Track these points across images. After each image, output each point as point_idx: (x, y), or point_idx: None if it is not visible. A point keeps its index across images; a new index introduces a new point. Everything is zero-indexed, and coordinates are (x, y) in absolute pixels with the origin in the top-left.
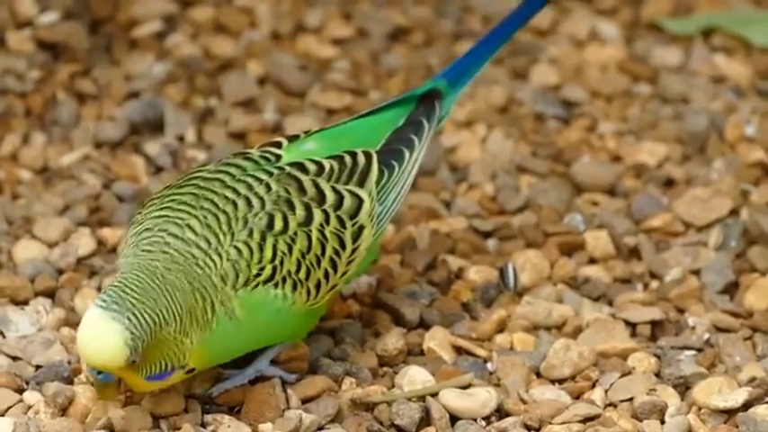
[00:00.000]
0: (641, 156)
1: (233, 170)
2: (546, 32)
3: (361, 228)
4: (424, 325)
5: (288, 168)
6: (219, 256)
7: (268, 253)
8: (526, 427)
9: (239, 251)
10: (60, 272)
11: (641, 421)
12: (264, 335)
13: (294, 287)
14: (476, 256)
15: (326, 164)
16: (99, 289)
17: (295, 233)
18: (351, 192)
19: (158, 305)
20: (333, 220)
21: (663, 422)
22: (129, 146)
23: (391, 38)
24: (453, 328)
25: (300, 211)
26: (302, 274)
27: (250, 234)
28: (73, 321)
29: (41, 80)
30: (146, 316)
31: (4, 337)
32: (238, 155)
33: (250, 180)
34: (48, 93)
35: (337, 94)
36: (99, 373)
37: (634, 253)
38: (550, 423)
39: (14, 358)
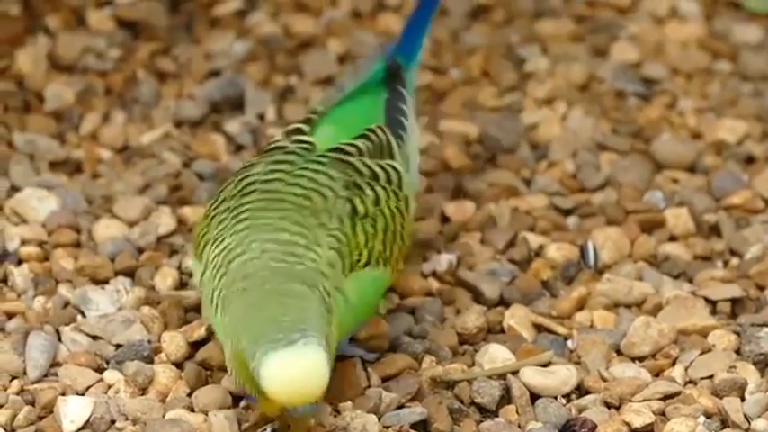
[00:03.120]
0: (721, 133)
1: (286, 167)
2: (626, 10)
3: (407, 197)
4: (503, 303)
5: (333, 155)
6: (320, 246)
7: (361, 237)
8: (606, 404)
9: (338, 239)
10: (140, 251)
11: (721, 398)
12: (366, 313)
13: (385, 264)
14: (556, 234)
15: (360, 144)
16: (179, 268)
17: (374, 213)
18: (390, 165)
19: (318, 319)
20: (392, 195)
21: (743, 399)
22: (210, 124)
23: (471, 16)
24: (533, 305)
25: (369, 192)
26: (387, 251)
27: (340, 222)
28: (153, 300)
29: (121, 59)
30: (321, 330)
31: (84, 316)
32: (275, 150)
33: (309, 173)
34: (128, 71)
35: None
36: (309, 407)
37: (714, 230)
38: (630, 401)
39: (94, 337)
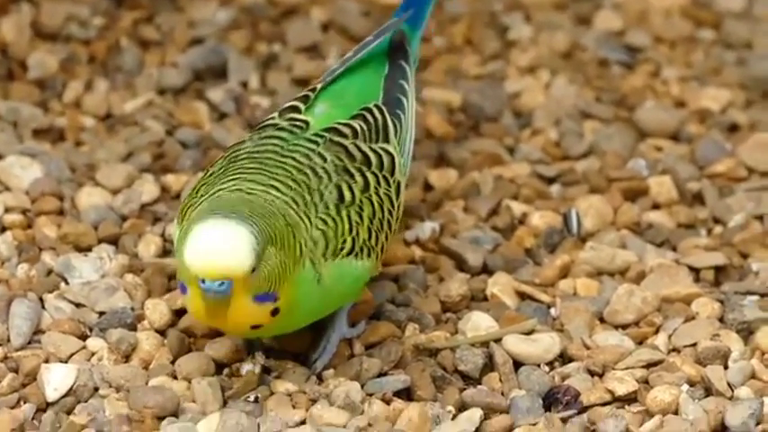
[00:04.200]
0: (705, 101)
1: (277, 142)
2: None
3: (399, 183)
4: (487, 270)
5: (328, 135)
6: (309, 220)
7: (346, 225)
8: (589, 372)
9: (325, 222)
10: (124, 218)
11: (705, 366)
12: (342, 300)
13: (369, 254)
14: (539, 202)
15: (356, 125)
16: (162, 236)
17: (361, 201)
18: (384, 150)
19: (267, 221)
20: (382, 181)
21: (726, 367)
22: (193, 92)
23: None
24: (517, 273)
25: (359, 178)
26: (373, 240)
27: (326, 207)
28: (136, 267)
29: (105, 27)
30: (261, 226)
31: (67, 283)
32: (267, 127)
33: (303, 150)
34: (111, 39)
35: None
36: (218, 285)
37: (698, 198)
38: (614, 368)
39: (78, 305)
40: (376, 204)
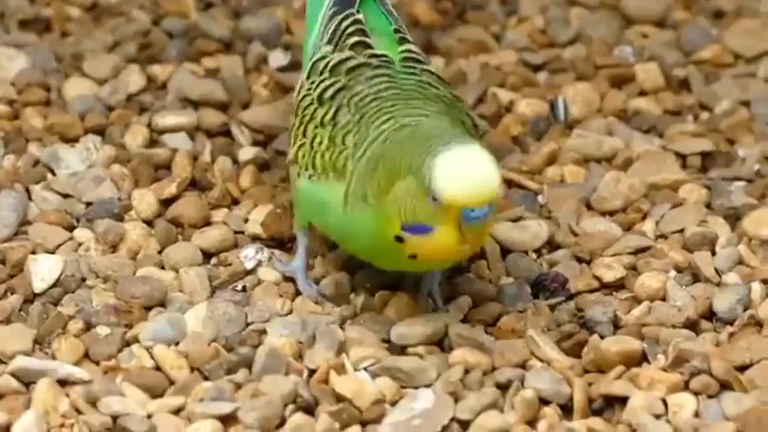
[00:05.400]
0: None
1: (387, 80)
2: None
3: None
4: None
5: (418, 66)
6: None
7: None
8: (577, 259)
9: None
10: (110, 109)
11: (692, 252)
12: None
13: None
14: (526, 90)
15: (417, 50)
16: (149, 125)
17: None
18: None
19: None
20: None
21: (714, 253)
22: None
23: None
24: (504, 161)
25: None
26: None
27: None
28: (123, 158)
29: None
30: None
31: (53, 174)
32: (360, 67)
33: (415, 83)
34: None
35: None
36: (485, 210)
37: (684, 85)
38: (601, 255)
39: (65, 196)
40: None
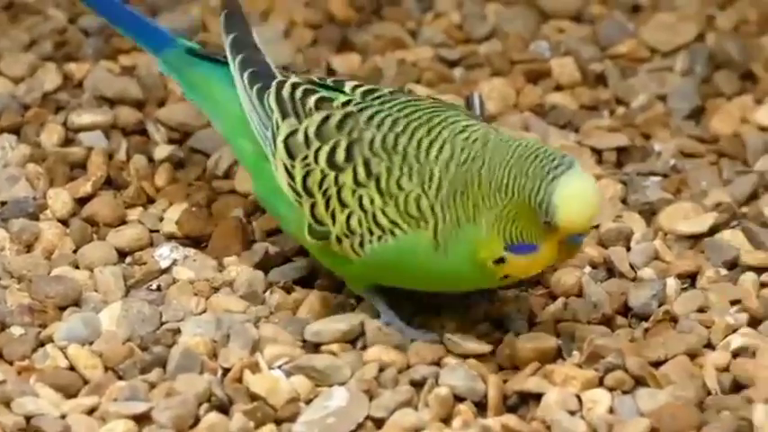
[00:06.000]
0: None
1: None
2: None
3: None
4: None
5: (378, 93)
6: None
7: None
8: None
9: None
10: (26, 107)
11: (607, 248)
12: None
13: None
14: (442, 85)
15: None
16: (64, 124)
17: None
18: None
19: None
20: None
21: (629, 249)
22: None
23: None
24: None
25: None
26: None
27: None
28: (38, 157)
29: None
30: None
31: None
32: (347, 116)
33: (389, 113)
34: None
35: None
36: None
37: (600, 79)
38: None
39: None
40: None
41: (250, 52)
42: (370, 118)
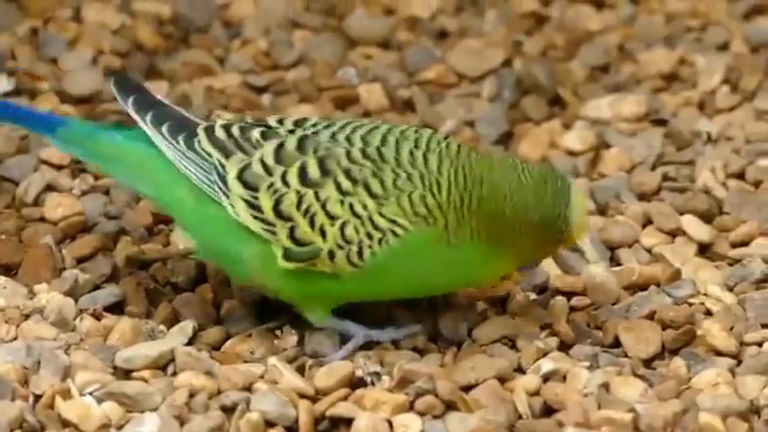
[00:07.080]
0: (414, 8)
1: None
2: None
3: None
4: None
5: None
6: None
7: None
8: None
9: None
10: None
11: None
12: None
13: None
14: (250, 112)
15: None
16: None
17: None
18: None
19: None
20: None
21: None
22: None
23: None
24: None
25: None
26: None
27: None
28: None
29: None
30: None
31: None
32: (306, 139)
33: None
34: None
35: None
36: None
37: (408, 105)
38: None
39: None
40: None
41: (158, 109)
42: (333, 136)
